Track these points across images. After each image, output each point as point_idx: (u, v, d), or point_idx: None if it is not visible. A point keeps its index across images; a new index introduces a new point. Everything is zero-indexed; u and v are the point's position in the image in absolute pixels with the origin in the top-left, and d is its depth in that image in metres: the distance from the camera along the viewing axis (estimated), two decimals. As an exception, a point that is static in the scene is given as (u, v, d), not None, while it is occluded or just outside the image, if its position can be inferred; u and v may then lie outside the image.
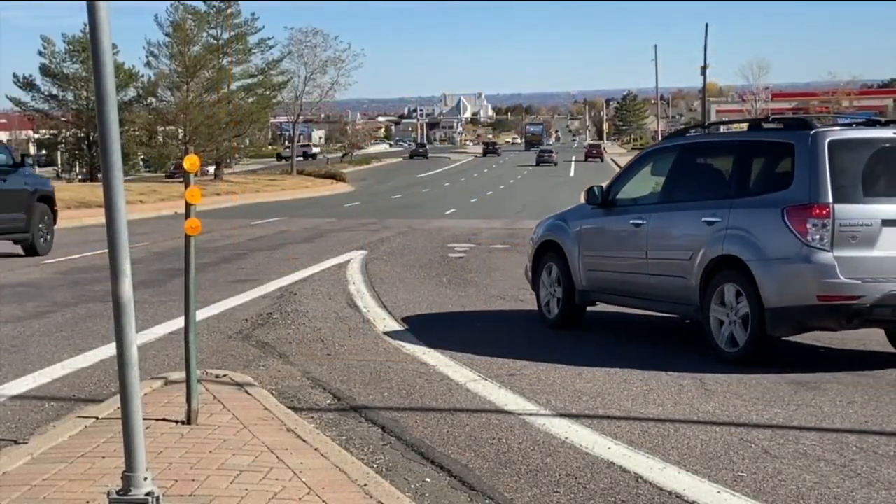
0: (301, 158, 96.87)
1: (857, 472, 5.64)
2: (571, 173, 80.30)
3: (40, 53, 70.42)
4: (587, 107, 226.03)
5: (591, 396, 7.51)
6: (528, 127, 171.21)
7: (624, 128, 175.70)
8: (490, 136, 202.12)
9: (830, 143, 8.48)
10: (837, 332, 9.06)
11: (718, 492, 5.33)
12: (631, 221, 10.03)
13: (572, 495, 5.33)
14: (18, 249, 19.35)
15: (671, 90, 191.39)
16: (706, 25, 70.34)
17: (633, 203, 10.32)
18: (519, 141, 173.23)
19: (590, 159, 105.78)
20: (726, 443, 6.24)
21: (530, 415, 6.97)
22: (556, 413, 7.02)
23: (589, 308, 10.97)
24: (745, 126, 10.19)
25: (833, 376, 8.16)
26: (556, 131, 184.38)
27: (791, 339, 9.20)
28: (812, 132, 8.62)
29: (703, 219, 9.09)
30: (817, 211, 8.22)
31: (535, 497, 5.32)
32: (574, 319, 10.80)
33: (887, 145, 8.69)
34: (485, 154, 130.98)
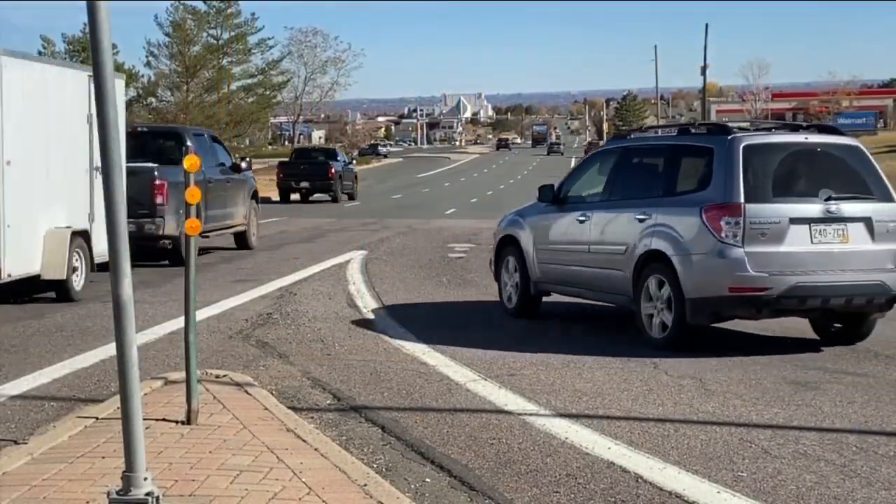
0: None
1: (857, 472, 5.64)
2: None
3: (40, 53, 70.39)
4: (587, 107, 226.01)
5: (591, 396, 7.51)
6: (534, 127, 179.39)
7: (624, 128, 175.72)
8: (490, 135, 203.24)
9: (745, 147, 9.25)
10: (758, 320, 9.79)
11: (718, 492, 5.33)
12: (577, 218, 10.76)
13: (572, 495, 5.33)
14: (233, 243, 20.53)
15: (671, 90, 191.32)
16: (706, 25, 70.33)
17: (580, 200, 11.07)
18: (519, 141, 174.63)
19: None
20: (726, 443, 6.25)
21: (530, 415, 6.98)
22: (556, 413, 7.02)
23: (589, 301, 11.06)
24: (675, 131, 10.95)
25: (833, 376, 8.17)
26: (556, 128, 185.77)
27: (723, 326, 9.91)
28: (729, 137, 9.41)
29: (636, 216, 9.81)
30: (730, 210, 8.96)
31: (535, 497, 5.32)
32: (531, 309, 11.52)
33: (798, 150, 9.61)
34: (498, 148, 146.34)
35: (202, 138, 19.81)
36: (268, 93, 75.14)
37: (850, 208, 9.24)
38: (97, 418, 6.52)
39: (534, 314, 11.50)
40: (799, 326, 10.29)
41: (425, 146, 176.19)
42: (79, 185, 13.67)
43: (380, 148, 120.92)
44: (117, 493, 4.48)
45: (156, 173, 16.78)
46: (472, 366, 8.63)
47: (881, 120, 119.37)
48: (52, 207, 12.89)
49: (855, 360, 8.84)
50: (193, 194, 6.15)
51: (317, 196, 43.19)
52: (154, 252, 16.89)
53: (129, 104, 67.18)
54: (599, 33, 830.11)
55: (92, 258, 13.55)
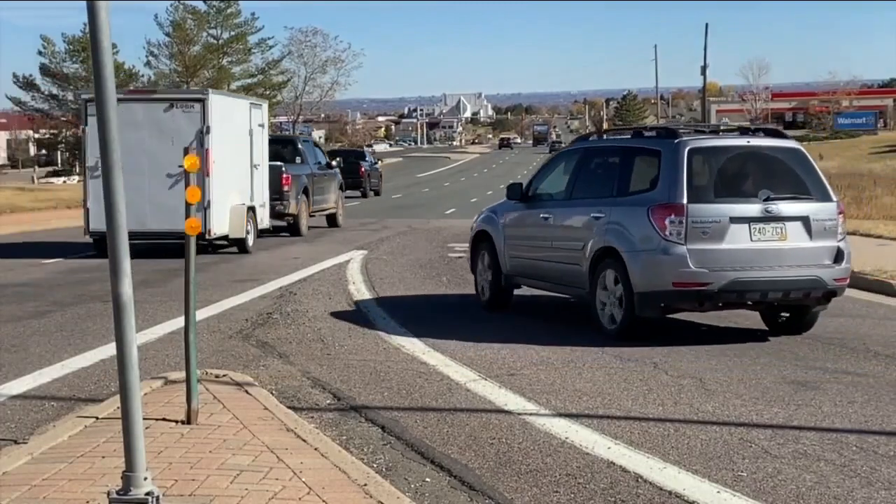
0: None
1: (857, 472, 5.64)
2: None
3: (40, 53, 70.35)
4: (587, 107, 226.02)
5: (591, 396, 7.51)
6: (535, 127, 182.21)
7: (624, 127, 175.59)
8: (490, 135, 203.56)
9: (689, 150, 9.80)
10: (706, 312, 10.33)
11: (718, 492, 5.33)
12: (541, 215, 11.41)
13: (572, 495, 5.33)
14: (324, 223, 26.64)
15: (671, 90, 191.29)
16: (706, 25, 70.36)
17: (546, 198, 11.70)
18: (519, 141, 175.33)
19: None
20: (726, 443, 6.25)
21: (530, 415, 6.98)
22: (556, 413, 7.02)
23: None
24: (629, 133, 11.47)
25: (833, 376, 8.17)
26: (555, 128, 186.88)
27: (677, 316, 10.41)
28: (675, 141, 9.96)
29: (592, 214, 10.43)
30: (674, 210, 9.53)
31: (535, 497, 5.32)
32: (503, 300, 12.13)
33: (740, 152, 10.21)
34: (500, 147, 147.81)
35: (308, 143, 27.26)
36: (268, 93, 75.10)
37: (788, 208, 9.75)
38: (97, 418, 6.52)
39: (505, 306, 12.09)
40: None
41: (425, 146, 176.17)
42: (245, 177, 20.45)
43: (365, 149, 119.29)
44: (117, 492, 4.48)
45: (283, 168, 23.02)
46: (472, 365, 8.63)
47: (881, 120, 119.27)
48: (233, 191, 19.55)
49: (855, 360, 8.84)
50: (193, 194, 6.15)
51: (347, 192, 45.26)
52: (282, 228, 23.51)
53: (129, 104, 67.26)
54: (599, 33, 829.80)
55: (256, 225, 20.43)
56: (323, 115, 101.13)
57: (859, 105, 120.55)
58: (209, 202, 18.16)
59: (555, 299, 12.46)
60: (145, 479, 4.49)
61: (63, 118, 72.38)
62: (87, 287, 14.31)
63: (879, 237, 18.99)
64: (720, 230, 9.54)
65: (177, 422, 6.37)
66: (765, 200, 9.67)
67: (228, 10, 71.31)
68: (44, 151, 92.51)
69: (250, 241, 19.89)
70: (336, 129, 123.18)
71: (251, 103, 22.08)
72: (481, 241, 12.47)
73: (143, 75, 71.00)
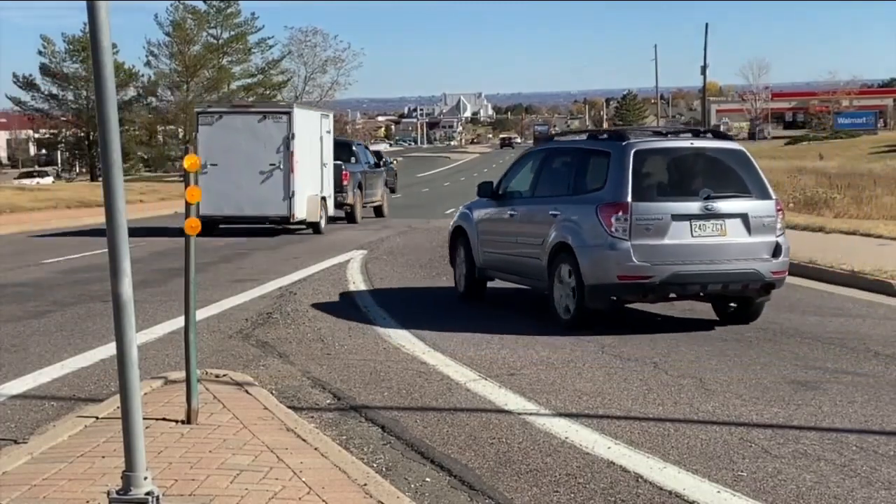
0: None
1: (857, 472, 5.64)
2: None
3: (40, 53, 70.46)
4: (587, 106, 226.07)
5: (591, 396, 7.51)
6: (536, 127, 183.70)
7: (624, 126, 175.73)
8: (490, 135, 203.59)
9: (635, 152, 10.44)
10: (654, 303, 11.08)
11: (718, 491, 5.33)
12: (508, 212, 12.16)
13: (572, 495, 5.33)
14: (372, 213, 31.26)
15: (671, 90, 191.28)
16: (706, 25, 70.34)
17: (513, 196, 12.40)
18: (519, 140, 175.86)
19: None
20: (726, 442, 6.25)
21: (530, 414, 6.98)
22: (556, 413, 7.02)
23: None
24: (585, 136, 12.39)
25: (833, 376, 8.17)
26: (555, 126, 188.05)
27: (636, 307, 11.17)
28: (623, 143, 10.59)
29: (550, 212, 11.10)
30: (619, 208, 10.16)
31: (535, 496, 5.32)
32: (477, 292, 12.96)
33: (684, 154, 10.93)
34: (501, 147, 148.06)
35: (360, 146, 33.39)
36: (268, 92, 75.11)
37: (727, 206, 10.37)
38: (97, 418, 6.52)
39: (480, 297, 12.91)
40: (795, 325, 10.29)
41: (425, 145, 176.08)
42: (318, 174, 25.56)
43: (354, 148, 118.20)
44: (117, 492, 4.48)
45: (343, 167, 28.09)
46: (472, 365, 8.63)
47: (881, 120, 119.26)
48: (309, 185, 24.70)
49: (855, 360, 8.84)
50: (193, 194, 6.15)
51: None
52: (341, 217, 28.70)
53: (129, 104, 67.33)
54: (599, 33, 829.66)
55: (327, 212, 25.74)
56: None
57: (859, 105, 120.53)
58: (293, 192, 23.62)
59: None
60: (145, 478, 4.49)
61: (63, 118, 72.41)
62: (87, 287, 14.31)
63: (879, 237, 18.98)
64: (662, 227, 10.16)
65: (177, 421, 6.37)
66: (705, 199, 10.28)
67: (228, 10, 71.39)
68: (44, 151, 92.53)
69: (323, 224, 25.10)
70: (336, 129, 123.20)
71: (321, 114, 27.10)
72: (458, 237, 13.32)
73: (143, 75, 71.15)
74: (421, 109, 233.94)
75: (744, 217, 10.42)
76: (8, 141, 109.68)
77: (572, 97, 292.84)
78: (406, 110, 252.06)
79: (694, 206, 10.25)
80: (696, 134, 11.57)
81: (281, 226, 24.55)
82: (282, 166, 23.63)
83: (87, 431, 6.22)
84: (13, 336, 10.27)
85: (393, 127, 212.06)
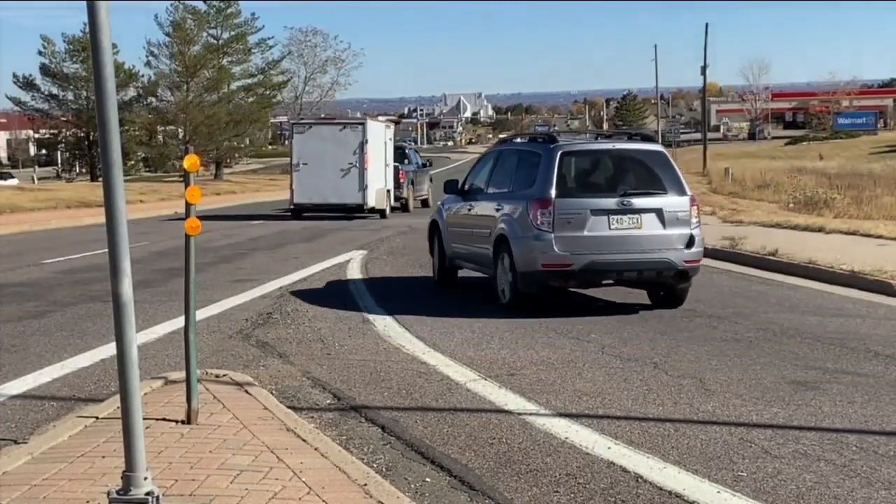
0: None
1: (857, 472, 5.64)
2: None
3: (40, 53, 70.42)
4: (587, 107, 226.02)
5: (591, 396, 7.51)
6: (536, 127, 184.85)
7: (624, 127, 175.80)
8: (490, 135, 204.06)
9: (561, 153, 11.71)
10: (584, 289, 12.54)
11: (718, 492, 5.33)
12: (467, 207, 13.52)
13: (572, 495, 5.33)
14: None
15: (671, 90, 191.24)
16: (706, 25, 70.22)
17: (473, 191, 13.63)
18: (519, 141, 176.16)
19: None
20: (726, 443, 6.24)
21: (530, 414, 6.97)
22: (556, 413, 7.02)
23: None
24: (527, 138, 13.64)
25: (833, 376, 8.16)
26: (555, 126, 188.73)
27: (576, 291, 12.63)
28: (551, 146, 11.90)
29: (495, 206, 12.44)
30: (544, 204, 11.38)
31: (535, 497, 5.32)
32: (449, 280, 14.31)
33: (605, 155, 12.30)
34: None
35: (411, 150, 40.37)
36: (268, 92, 75.15)
37: (642, 202, 11.50)
38: (97, 418, 6.52)
39: (453, 284, 14.22)
40: (791, 325, 10.29)
41: (425, 145, 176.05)
42: (382, 171, 32.32)
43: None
44: (117, 492, 4.48)
45: (399, 167, 34.83)
46: (472, 365, 8.62)
47: (881, 120, 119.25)
48: (378, 180, 31.51)
49: (855, 360, 8.84)
50: (193, 194, 6.15)
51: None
52: (398, 208, 34.01)
53: (129, 104, 67.30)
54: (599, 33, 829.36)
55: (390, 202, 32.34)
56: (323, 115, 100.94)
57: (859, 105, 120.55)
58: (366, 186, 30.63)
59: (554, 297, 12.45)
60: (145, 478, 4.49)
61: (63, 118, 72.38)
62: (87, 287, 14.31)
63: (879, 237, 18.98)
64: (582, 220, 11.35)
65: (177, 422, 6.37)
66: (621, 195, 11.48)
67: (228, 10, 71.37)
68: (44, 151, 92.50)
69: (387, 211, 31.85)
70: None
71: (385, 125, 34.75)
72: (433, 230, 14.68)
73: (143, 75, 71.13)
74: (421, 110, 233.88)
75: (658, 212, 11.54)
76: (8, 141, 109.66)
77: (572, 97, 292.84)
78: (406, 110, 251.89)
79: (611, 202, 11.44)
80: (630, 137, 12.85)
81: (356, 212, 30.86)
82: (357, 165, 30.63)
83: (88, 431, 6.22)
84: (13, 336, 10.27)
85: (393, 127, 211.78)
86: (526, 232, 11.50)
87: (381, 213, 31.33)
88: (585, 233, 11.33)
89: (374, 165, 31.19)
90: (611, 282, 11.91)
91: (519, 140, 14.08)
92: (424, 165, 39.21)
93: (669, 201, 11.63)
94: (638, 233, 11.44)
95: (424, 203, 37.75)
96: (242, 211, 38.62)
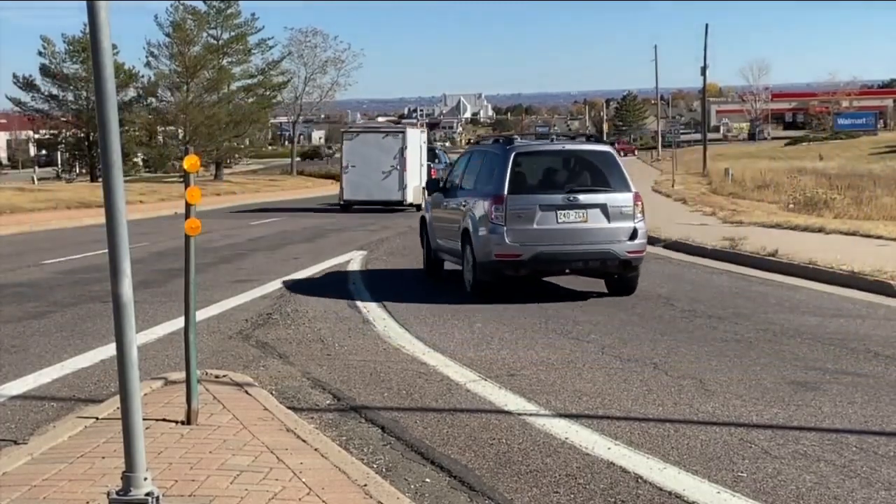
0: None
1: (856, 473, 5.64)
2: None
3: (40, 53, 70.34)
4: (587, 107, 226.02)
5: (591, 396, 7.51)
6: (538, 129, 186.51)
7: (624, 128, 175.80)
8: (490, 136, 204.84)
9: (515, 154, 12.94)
10: (544, 278, 14.05)
11: (718, 492, 5.33)
12: (445, 203, 14.65)
13: (572, 495, 5.33)
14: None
15: (671, 90, 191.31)
16: (706, 26, 70.16)
17: (450, 189, 14.73)
18: (484, 143, 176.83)
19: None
20: (726, 443, 6.24)
21: (530, 415, 6.97)
22: (555, 413, 7.01)
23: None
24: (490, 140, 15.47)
25: (833, 376, 8.16)
26: (555, 126, 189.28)
27: (550, 280, 14.03)
28: (507, 147, 13.21)
29: (463, 203, 13.71)
30: (498, 200, 12.57)
31: (535, 497, 5.32)
32: (435, 271, 15.40)
33: (556, 155, 13.52)
34: None
35: (441, 151, 44.99)
36: (268, 93, 75.07)
37: (587, 198, 12.64)
38: (97, 418, 6.52)
39: (438, 276, 15.26)
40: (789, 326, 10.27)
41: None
42: (419, 171, 36.54)
43: (324, 150, 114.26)
44: (117, 493, 4.48)
45: (431, 166, 38.91)
46: (472, 366, 8.62)
47: (881, 120, 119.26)
48: (415, 178, 35.67)
49: (855, 360, 8.84)
50: (193, 194, 6.15)
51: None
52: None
53: (129, 104, 67.27)
54: (599, 33, 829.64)
55: (425, 197, 31.45)
56: (323, 116, 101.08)
57: (859, 105, 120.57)
58: (405, 185, 35.49)
59: (554, 296, 12.45)
60: (145, 479, 4.49)
61: (63, 118, 72.34)
62: (87, 287, 14.31)
63: (879, 237, 18.98)
64: (531, 215, 12.51)
65: (177, 422, 6.37)
66: (568, 192, 12.62)
67: (228, 11, 71.30)
68: (44, 152, 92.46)
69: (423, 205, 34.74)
70: (336, 130, 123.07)
71: (421, 131, 40.69)
72: (423, 225, 15.86)
73: (143, 76, 71.05)
74: (421, 110, 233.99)
75: (603, 207, 12.65)
76: (8, 142, 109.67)
77: (572, 98, 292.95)
78: (406, 111, 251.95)
79: (558, 198, 12.59)
80: (587, 138, 14.38)
81: (396, 206, 35.56)
82: (398, 167, 35.73)
83: (87, 432, 6.22)
84: (13, 336, 10.27)
85: (426, 132, 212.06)
86: (483, 225, 12.71)
87: (418, 206, 33.52)
88: (535, 226, 12.50)
89: (412, 167, 36.05)
90: (562, 271, 13.23)
91: (484, 142, 15.62)
92: (452, 165, 46.21)
93: (614, 197, 12.72)
94: (584, 226, 12.57)
95: None
96: (290, 204, 38.56)
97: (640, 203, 12.90)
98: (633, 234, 12.66)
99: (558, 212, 12.54)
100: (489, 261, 12.61)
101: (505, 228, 12.46)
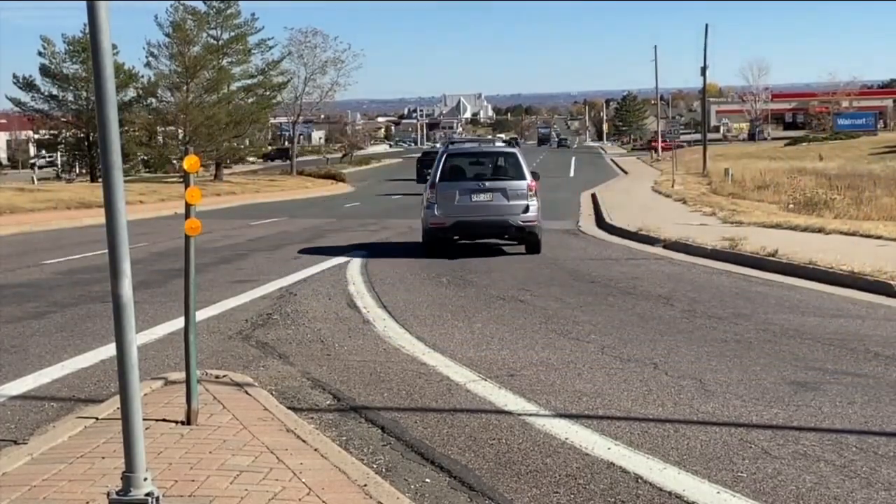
0: None
1: (857, 473, 5.64)
2: (571, 173, 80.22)
3: (40, 53, 70.29)
4: (587, 107, 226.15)
5: (590, 396, 7.51)
6: (540, 130, 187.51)
7: (624, 128, 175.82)
8: (490, 136, 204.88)
9: (448, 153, 19.34)
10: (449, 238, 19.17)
11: (718, 492, 5.33)
12: (426, 191, 19.45)
13: (572, 496, 5.33)
14: None
15: (671, 90, 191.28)
16: (706, 26, 70.13)
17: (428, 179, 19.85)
18: (521, 141, 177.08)
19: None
20: (726, 443, 6.24)
21: (530, 415, 6.97)
22: (556, 413, 7.01)
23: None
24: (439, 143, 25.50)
25: (833, 376, 8.16)
26: (555, 126, 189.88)
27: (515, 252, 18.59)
28: (444, 147, 19.95)
29: (424, 190, 19.58)
30: (433, 187, 18.66)
31: (535, 497, 5.32)
32: (431, 250, 19.15)
33: (475, 153, 19.98)
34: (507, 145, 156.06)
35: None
36: (268, 93, 75.03)
37: (492, 184, 18.70)
38: (97, 418, 6.52)
39: (433, 253, 18.97)
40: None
41: (425, 146, 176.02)
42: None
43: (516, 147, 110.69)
44: (117, 493, 4.48)
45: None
46: (472, 366, 8.62)
47: (881, 120, 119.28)
48: None
49: (855, 360, 8.84)
50: (193, 195, 6.15)
51: None
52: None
53: (129, 104, 67.25)
54: (599, 33, 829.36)
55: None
56: (323, 116, 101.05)
57: (859, 106, 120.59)
58: None
59: (552, 296, 12.44)
60: (145, 479, 4.49)
61: (63, 119, 72.31)
62: (87, 287, 14.31)
63: (879, 238, 18.98)
64: (453, 196, 18.53)
65: (177, 422, 6.37)
66: (479, 180, 18.93)
67: (228, 11, 71.27)
68: (44, 152, 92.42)
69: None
70: (336, 130, 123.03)
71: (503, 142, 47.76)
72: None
73: (143, 76, 71.03)
74: (421, 110, 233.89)
75: (503, 190, 18.57)
76: (8, 142, 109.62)
77: (572, 98, 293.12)
78: (406, 111, 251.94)
79: (473, 185, 18.76)
80: (508, 143, 20.63)
81: None
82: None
83: (87, 432, 6.22)
84: (13, 337, 10.27)
85: (393, 128, 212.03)
86: (426, 204, 18.94)
87: None
88: (456, 203, 18.53)
89: None
90: (477, 235, 19.09)
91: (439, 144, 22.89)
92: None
93: (512, 184, 18.69)
94: (490, 203, 18.53)
95: None
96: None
97: (532, 188, 18.67)
98: (526, 209, 18.46)
99: (472, 194, 18.60)
100: (427, 227, 18.91)
101: (436, 206, 18.56)
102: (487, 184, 18.55)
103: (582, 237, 24.32)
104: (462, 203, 18.34)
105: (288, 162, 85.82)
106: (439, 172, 18.62)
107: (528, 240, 18.77)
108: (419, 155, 68.64)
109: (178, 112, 67.13)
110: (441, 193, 18.39)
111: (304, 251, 20.19)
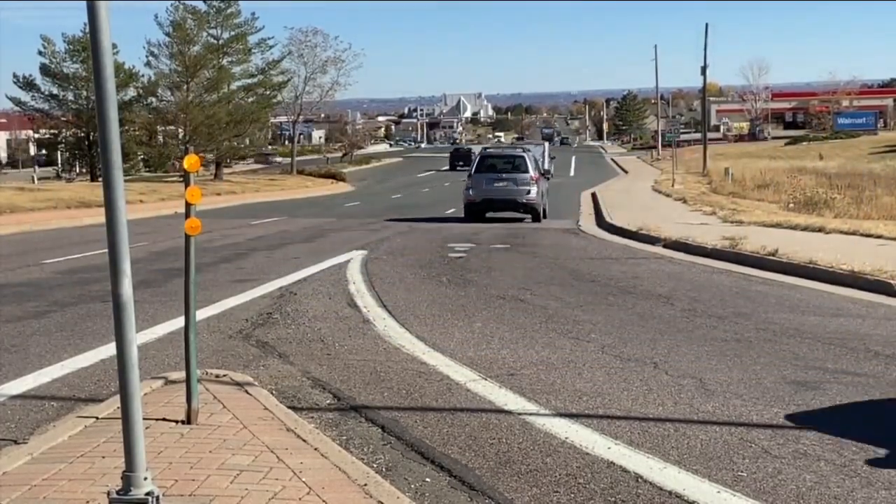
0: None
1: (857, 472, 5.64)
2: (571, 173, 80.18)
3: (40, 53, 70.30)
4: (587, 107, 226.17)
5: (591, 396, 7.51)
6: (543, 130, 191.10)
7: (624, 128, 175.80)
8: (490, 135, 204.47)
9: (481, 154, 33.05)
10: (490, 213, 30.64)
11: (718, 492, 5.33)
12: (467, 179, 32.34)
13: (572, 495, 5.33)
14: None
15: (671, 90, 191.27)
16: (706, 25, 70.21)
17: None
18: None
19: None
20: (726, 443, 6.25)
21: (530, 415, 6.97)
22: (556, 413, 7.02)
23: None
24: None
25: (833, 376, 8.16)
26: (555, 125, 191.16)
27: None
28: (480, 149, 39.14)
29: (466, 178, 33.00)
30: (469, 176, 31.35)
31: (535, 497, 5.32)
32: (470, 216, 30.58)
33: (499, 155, 33.58)
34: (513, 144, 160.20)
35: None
36: (268, 93, 75.04)
37: (508, 175, 30.07)
38: (97, 418, 6.52)
39: (477, 219, 30.11)
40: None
41: (425, 145, 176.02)
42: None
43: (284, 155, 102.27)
44: (117, 492, 4.48)
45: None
46: (472, 365, 8.62)
47: (881, 120, 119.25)
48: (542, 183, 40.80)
49: (855, 360, 8.84)
50: (193, 194, 6.15)
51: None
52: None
53: (129, 104, 67.24)
54: (599, 33, 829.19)
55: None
56: (323, 115, 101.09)
57: (859, 105, 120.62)
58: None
59: (553, 295, 12.44)
60: (145, 479, 4.49)
61: (63, 118, 72.30)
62: (87, 287, 14.31)
63: (879, 237, 18.98)
64: (482, 182, 30.27)
65: (177, 422, 6.37)
66: (499, 173, 30.26)
67: (228, 10, 71.30)
68: (44, 151, 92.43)
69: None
70: (336, 129, 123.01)
71: (538, 146, 53.31)
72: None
73: (143, 75, 71.05)
74: (421, 109, 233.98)
75: (514, 180, 29.83)
76: (8, 141, 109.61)
77: (572, 97, 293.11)
78: (406, 110, 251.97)
79: (495, 175, 30.16)
80: (523, 149, 33.62)
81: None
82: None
83: (87, 432, 6.22)
84: (13, 336, 10.27)
85: (393, 127, 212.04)
86: (466, 187, 30.83)
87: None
88: (484, 188, 30.01)
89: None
90: (499, 209, 29.99)
91: (486, 148, 38.45)
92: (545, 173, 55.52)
93: (521, 176, 29.86)
94: (506, 188, 29.75)
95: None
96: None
97: (534, 179, 29.95)
98: (529, 192, 29.61)
99: (494, 182, 29.98)
100: (466, 203, 30.70)
101: (471, 189, 30.33)
102: (504, 175, 30.03)
103: (582, 236, 24.34)
104: (488, 187, 29.89)
105: (270, 166, 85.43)
106: (475, 167, 31.02)
107: (530, 212, 29.94)
108: (451, 150, 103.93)
109: (178, 111, 67.15)
110: (475, 180, 30.24)
111: (304, 250, 20.18)
